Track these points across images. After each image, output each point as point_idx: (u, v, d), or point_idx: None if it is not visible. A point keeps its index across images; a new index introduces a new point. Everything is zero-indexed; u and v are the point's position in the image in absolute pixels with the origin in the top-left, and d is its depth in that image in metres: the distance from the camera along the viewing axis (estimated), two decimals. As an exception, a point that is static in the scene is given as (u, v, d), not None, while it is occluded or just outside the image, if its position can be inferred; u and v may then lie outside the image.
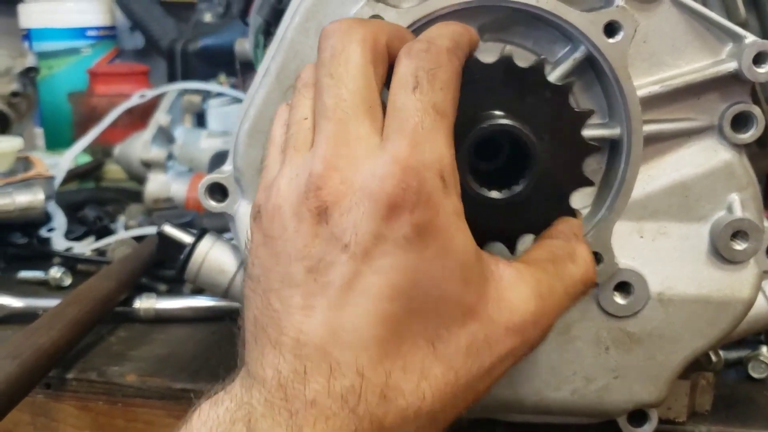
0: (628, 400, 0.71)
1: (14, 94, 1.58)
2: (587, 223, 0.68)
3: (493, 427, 0.80)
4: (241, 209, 0.71)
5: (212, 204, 0.73)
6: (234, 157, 0.71)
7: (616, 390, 0.71)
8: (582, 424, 0.79)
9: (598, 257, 0.68)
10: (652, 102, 0.67)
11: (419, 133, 0.47)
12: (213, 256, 0.75)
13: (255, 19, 0.96)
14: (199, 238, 0.75)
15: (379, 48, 0.52)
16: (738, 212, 0.68)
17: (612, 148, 0.69)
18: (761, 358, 0.88)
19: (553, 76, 0.66)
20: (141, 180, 1.47)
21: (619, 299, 0.69)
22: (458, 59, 0.53)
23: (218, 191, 0.73)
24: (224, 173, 0.72)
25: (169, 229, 0.75)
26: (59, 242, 1.25)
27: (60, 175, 1.40)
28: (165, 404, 0.87)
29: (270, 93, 0.69)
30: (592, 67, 0.67)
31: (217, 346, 0.96)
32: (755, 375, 0.88)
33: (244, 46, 0.99)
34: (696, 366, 0.81)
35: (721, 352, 0.89)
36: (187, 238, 0.75)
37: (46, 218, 1.28)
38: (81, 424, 0.89)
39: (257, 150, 0.70)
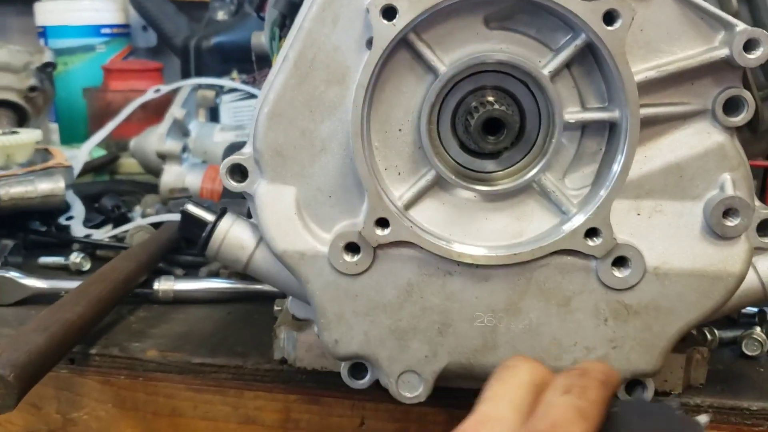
0: (626, 369, 0.75)
1: (32, 89, 1.62)
2: (588, 202, 0.72)
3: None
4: (260, 189, 0.76)
5: (233, 184, 0.77)
6: (254, 140, 0.75)
7: (615, 359, 0.75)
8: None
9: (597, 233, 0.72)
10: (649, 87, 0.71)
11: (559, 423, 0.52)
12: (233, 233, 0.79)
13: (271, 12, 1.00)
14: (220, 216, 0.79)
15: None
16: (730, 191, 0.72)
17: (611, 130, 0.73)
18: (755, 336, 0.91)
19: (555, 62, 0.71)
20: (156, 172, 1.52)
21: (617, 273, 0.73)
22: (607, 391, 0.57)
23: (238, 172, 0.77)
24: (244, 155, 0.76)
25: (192, 208, 0.79)
26: (78, 230, 1.29)
27: (78, 166, 1.45)
28: (185, 378, 0.91)
29: (288, 79, 0.73)
30: (592, 54, 0.71)
31: (233, 325, 1.01)
32: (749, 352, 0.92)
33: (260, 39, 1.03)
34: (692, 342, 0.85)
35: (716, 331, 0.93)
36: (209, 216, 0.79)
37: (65, 207, 1.33)
38: (103, 398, 0.93)
39: (276, 132, 0.74)
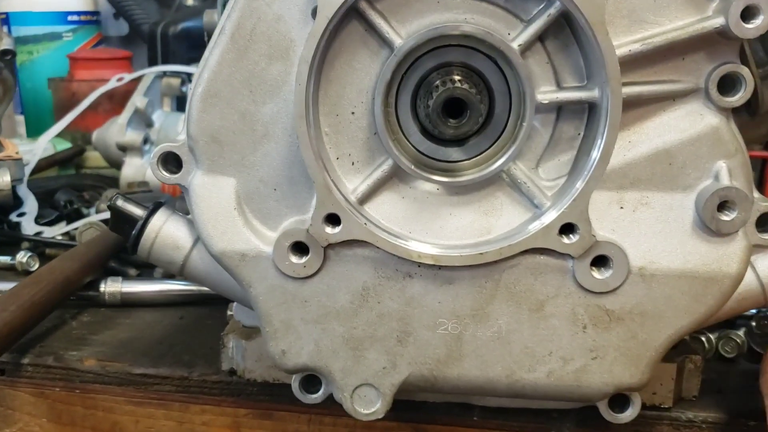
0: (608, 382, 0.67)
1: (-11, 78, 1.53)
2: (564, 194, 0.64)
3: (469, 411, 0.76)
4: (195, 180, 0.67)
5: (165, 175, 0.68)
6: (187, 124, 0.67)
7: (595, 371, 0.67)
8: (562, 410, 0.75)
9: (574, 228, 0.63)
10: (633, 62, 0.63)
11: None
12: (167, 231, 0.71)
13: (223, -13, 0.92)
14: (151, 212, 0.70)
15: None
16: (725, 181, 0.63)
17: (590, 112, 0.64)
18: (731, 336, 0.83)
19: (525, 34, 0.62)
20: (118, 165, 1.43)
21: (596, 274, 0.65)
22: None
23: (172, 161, 0.68)
24: (178, 142, 0.68)
25: (121, 203, 0.71)
26: (29, 226, 1.21)
27: (34, 159, 1.36)
28: (125, 390, 0.83)
29: (225, 54, 0.65)
30: (568, 25, 0.63)
31: (183, 332, 0.92)
32: (725, 354, 0.84)
33: (212, 17, 0.94)
34: (684, 350, 0.77)
35: (712, 337, 0.85)
36: (139, 212, 0.71)
37: (16, 203, 1.24)
38: (37, 412, 0.84)
39: (211, 115, 0.66)
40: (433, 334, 0.67)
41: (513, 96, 0.64)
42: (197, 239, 0.71)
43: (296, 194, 0.67)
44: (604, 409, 0.70)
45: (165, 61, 1.58)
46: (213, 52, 0.65)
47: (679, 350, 0.75)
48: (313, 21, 0.62)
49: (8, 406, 0.85)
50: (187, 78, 1.50)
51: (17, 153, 1.24)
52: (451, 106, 0.61)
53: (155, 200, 0.72)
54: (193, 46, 1.59)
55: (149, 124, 1.42)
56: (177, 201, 1.15)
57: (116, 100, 1.63)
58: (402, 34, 0.63)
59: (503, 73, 0.64)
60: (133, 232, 0.69)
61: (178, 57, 1.58)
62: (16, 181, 1.17)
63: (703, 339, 0.84)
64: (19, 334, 0.81)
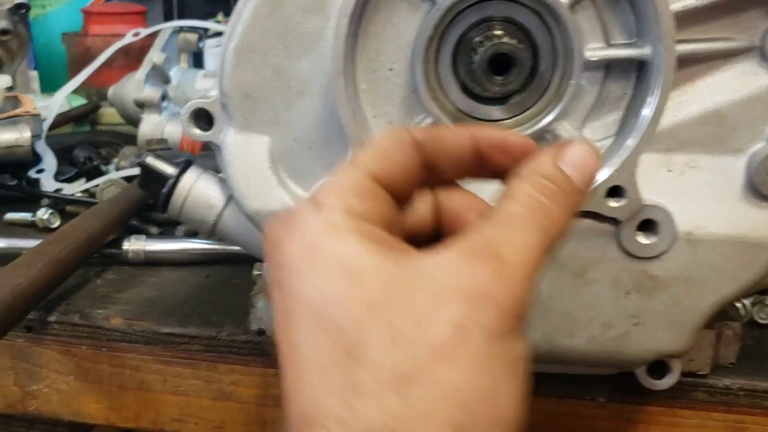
0: (649, 349, 0.65)
1: (3, 32, 1.51)
2: (611, 155, 0.62)
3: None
4: (228, 138, 0.65)
5: (197, 132, 0.66)
6: (220, 80, 0.65)
7: (637, 338, 0.65)
8: (596, 375, 0.74)
9: (621, 192, 0.61)
10: (686, 19, 0.60)
11: None
12: (198, 189, 0.69)
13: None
14: (183, 170, 0.68)
15: None
16: (779, 143, 0.61)
17: (639, 71, 0.62)
18: (767, 302, 0.82)
19: (575, -12, 0.59)
20: (135, 122, 1.41)
21: (642, 239, 0.63)
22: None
23: (203, 118, 0.66)
24: (210, 98, 0.66)
25: (152, 161, 0.69)
26: (48, 184, 1.19)
27: (51, 115, 1.34)
28: (152, 349, 0.82)
29: (259, 7, 0.62)
30: (618, -21, 0.60)
31: (210, 291, 0.91)
32: (761, 320, 0.83)
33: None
34: (721, 316, 0.75)
35: (746, 303, 0.83)
36: (170, 170, 0.69)
37: (35, 159, 1.22)
38: (64, 370, 0.84)
39: (245, 71, 0.63)
40: (471, 298, 0.65)
41: (558, 53, 0.62)
42: (229, 198, 0.69)
43: (331, 154, 0.65)
44: (642, 375, 0.69)
45: (181, 16, 1.54)
46: (247, 6, 0.63)
47: (716, 316, 0.74)
48: (352, -28, 0.59)
49: (35, 363, 0.84)
50: (204, 33, 1.47)
51: (35, 108, 1.22)
52: (496, 62, 0.59)
53: (185, 158, 0.70)
54: (209, 0, 1.56)
55: (166, 80, 1.39)
56: (198, 159, 1.13)
57: (131, 56, 1.60)
58: (445, -14, 0.60)
59: (548, 29, 0.62)
60: (164, 190, 0.68)
61: (194, 12, 1.55)
62: (35, 137, 1.15)
63: (739, 305, 0.83)
64: (45, 292, 0.80)
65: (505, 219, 0.42)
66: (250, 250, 0.72)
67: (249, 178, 0.65)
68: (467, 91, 0.63)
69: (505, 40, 0.57)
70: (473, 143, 0.48)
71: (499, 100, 0.63)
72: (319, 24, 0.62)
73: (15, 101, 1.29)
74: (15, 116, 1.15)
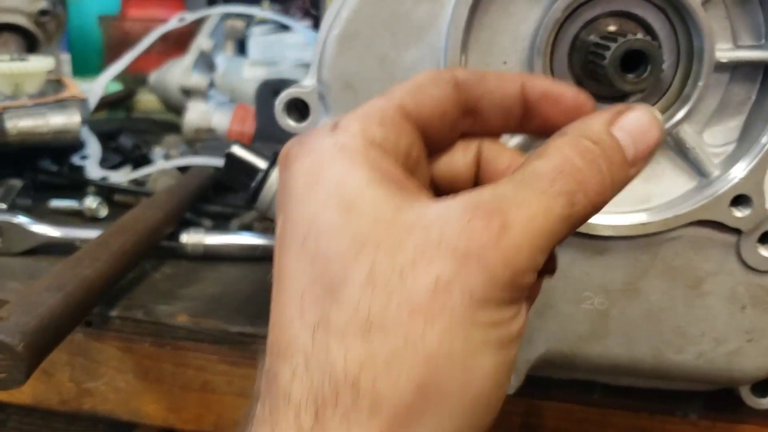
0: (761, 366, 0.62)
1: (43, 13, 1.47)
2: (734, 162, 0.58)
3: (590, 389, 0.72)
4: (324, 130, 0.61)
5: (290, 123, 0.63)
6: (319, 69, 0.61)
7: (749, 355, 0.62)
8: (690, 391, 0.71)
9: (746, 201, 0.58)
10: (823, 19, 0.56)
11: None
12: (289, 183, 0.65)
13: None
14: (273, 162, 0.65)
15: None
16: None
17: (765, 74, 0.59)
18: None
19: (709, -17, 0.56)
20: (177, 110, 1.37)
21: (764, 251, 0.60)
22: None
23: (298, 108, 0.63)
24: (306, 87, 0.62)
25: (240, 151, 0.66)
26: (94, 170, 1.15)
27: (94, 99, 1.30)
28: (219, 349, 0.78)
29: (368, -8, 0.58)
30: (751, -25, 0.57)
31: (273, 288, 0.88)
32: None
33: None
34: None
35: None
36: (261, 163, 0.65)
37: (79, 144, 1.19)
38: (124, 367, 0.80)
39: (348, 59, 0.60)
40: (577, 309, 0.62)
41: (681, 52, 0.58)
42: (320, 194, 0.65)
43: (432, 150, 0.61)
44: (746, 393, 0.65)
45: (227, 1, 1.51)
46: (353, -10, 0.59)
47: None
48: (469, -41, 0.56)
49: (94, 359, 0.81)
50: (251, 20, 1.44)
51: (81, 92, 1.18)
52: (627, 59, 0.55)
53: (274, 151, 0.67)
54: (255, -13, 1.52)
55: (212, 68, 1.36)
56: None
57: (170, 42, 1.56)
58: (568, -23, 0.56)
59: (672, 26, 0.58)
60: (253, 184, 0.64)
61: (239, -1, 1.51)
62: (83, 122, 1.12)
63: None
64: (109, 286, 0.77)
65: (526, 177, 0.37)
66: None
67: (346, 173, 0.61)
68: (583, 87, 0.60)
69: (639, 35, 0.54)
70: (521, 91, 0.43)
71: (616, 98, 0.60)
72: (431, 11, 0.58)
73: (57, 84, 1.26)
74: (63, 100, 1.11)
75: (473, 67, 0.59)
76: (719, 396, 0.68)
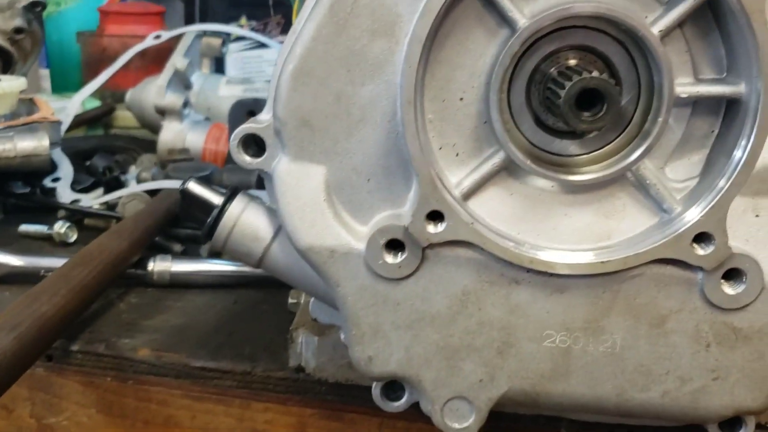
0: (727, 405, 0.61)
1: (18, 31, 1.45)
2: (696, 199, 0.57)
3: (556, 424, 0.71)
4: (280, 167, 0.60)
5: (246, 159, 0.61)
6: (275, 105, 0.60)
7: (715, 393, 0.61)
8: (658, 426, 0.69)
9: (708, 238, 0.57)
10: (785, 53, 0.55)
11: None
12: (246, 220, 0.64)
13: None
14: (229, 198, 0.64)
15: None
16: None
17: (728, 107, 0.57)
18: None
19: (667, 18, 0.55)
20: (154, 128, 1.36)
21: (728, 289, 0.58)
22: None
23: (253, 144, 0.61)
24: (262, 123, 0.61)
25: (195, 187, 0.64)
26: (65, 193, 1.14)
27: (67, 120, 1.29)
28: (182, 383, 0.77)
29: (321, 28, 0.57)
30: (710, 9, 0.56)
31: (240, 318, 0.86)
32: None
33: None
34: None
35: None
36: (215, 198, 0.64)
37: (51, 167, 1.17)
38: (86, 402, 0.79)
39: (303, 96, 0.58)
40: (539, 347, 0.61)
41: (642, 86, 0.57)
42: (278, 230, 0.64)
43: (391, 186, 0.60)
44: (713, 429, 0.64)
45: (203, 20, 1.49)
46: (307, 26, 0.58)
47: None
48: (424, -7, 0.55)
49: (55, 395, 0.79)
50: (227, 38, 1.42)
51: (53, 114, 1.17)
52: (583, 97, 0.54)
53: (232, 186, 0.65)
54: (233, 3, 1.51)
55: (188, 86, 1.34)
56: (224, 173, 1.08)
57: (148, 58, 1.56)
58: (525, 12, 0.55)
59: (632, 60, 0.57)
60: (209, 220, 0.63)
61: (217, 14, 1.50)
62: (53, 144, 1.10)
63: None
64: (69, 321, 0.76)
65: None
66: (298, 285, 0.67)
67: (302, 210, 0.60)
68: (540, 123, 0.59)
69: (595, 73, 0.53)
70: None
71: (575, 134, 0.58)
72: (387, 48, 0.57)
73: (30, 104, 1.24)
74: (33, 122, 1.10)
75: (430, 103, 0.58)
76: (688, 430, 0.67)
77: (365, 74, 0.58)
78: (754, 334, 0.59)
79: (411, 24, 0.55)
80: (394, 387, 0.65)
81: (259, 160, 0.61)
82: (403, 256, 0.59)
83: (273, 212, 0.64)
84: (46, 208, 1.14)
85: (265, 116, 0.61)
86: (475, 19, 0.56)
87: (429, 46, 0.55)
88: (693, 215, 0.57)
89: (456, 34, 0.56)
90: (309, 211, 0.60)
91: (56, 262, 0.88)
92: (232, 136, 0.61)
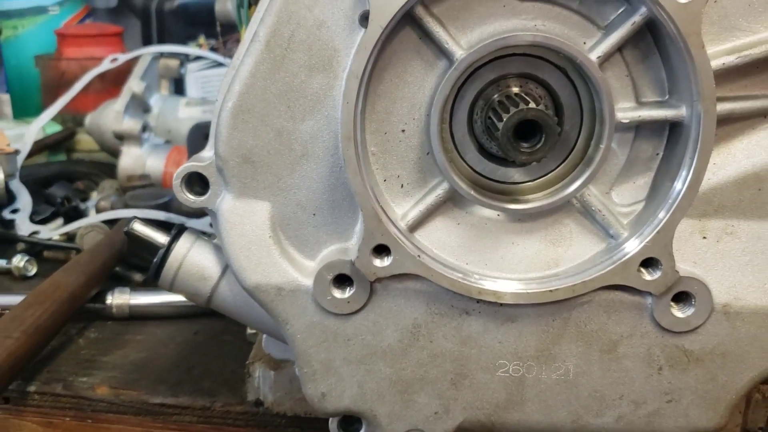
0: (682, 426, 0.61)
1: (-27, 58, 1.43)
2: (643, 223, 0.57)
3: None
4: (224, 204, 0.59)
5: (190, 197, 0.61)
6: (216, 142, 0.59)
7: (670, 415, 0.61)
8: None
9: (655, 263, 0.57)
10: (725, 76, 0.55)
11: None
12: (192, 259, 0.63)
13: (238, -27, 0.83)
14: (174, 238, 0.63)
15: None
16: (821, 208, 0.57)
17: (671, 131, 0.57)
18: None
19: (605, 44, 0.54)
20: (114, 152, 1.34)
21: (677, 312, 0.58)
22: None
23: (198, 182, 0.61)
24: (204, 161, 0.60)
25: (139, 228, 0.63)
26: (24, 225, 1.12)
27: (26, 147, 1.26)
28: (142, 421, 0.76)
29: (259, 64, 0.56)
30: (650, 33, 0.55)
31: (200, 351, 0.85)
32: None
33: (225, 5, 0.85)
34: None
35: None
36: (160, 238, 0.63)
37: (9, 198, 1.15)
38: (45, 443, 0.78)
39: (243, 133, 0.58)
40: (492, 377, 0.60)
41: (584, 111, 0.57)
42: (226, 268, 0.63)
43: (337, 219, 0.59)
44: (672, 452, 0.64)
45: (161, 40, 1.48)
46: (245, 62, 0.57)
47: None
48: (360, 27, 0.54)
49: (12, 437, 0.78)
50: (186, 58, 1.41)
51: (8, 145, 1.15)
52: (521, 128, 0.54)
53: (178, 225, 0.64)
54: (190, 23, 1.50)
55: (146, 110, 1.33)
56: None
57: (108, 80, 1.53)
58: (462, 43, 0.55)
59: (574, 86, 0.57)
60: (155, 260, 0.62)
61: (174, 35, 1.48)
62: (9, 176, 1.09)
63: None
64: (25, 363, 0.74)
65: None
66: (249, 323, 0.66)
67: (248, 248, 0.59)
68: (484, 151, 0.58)
69: (532, 104, 0.52)
70: None
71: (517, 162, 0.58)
72: (325, 83, 0.56)
73: (-14, 135, 1.22)
74: (-13, 155, 1.08)
75: (372, 136, 0.57)
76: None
77: (305, 110, 0.57)
78: (705, 355, 0.59)
79: (348, 58, 0.55)
80: (351, 420, 0.64)
81: (202, 198, 0.60)
82: (352, 291, 0.59)
83: (220, 249, 0.63)
84: (6, 241, 1.12)
85: (207, 154, 0.61)
86: (412, 52, 0.56)
87: (367, 81, 0.55)
88: (639, 241, 0.56)
89: (394, 67, 0.56)
90: (255, 249, 0.59)
91: (13, 299, 0.87)
92: (174, 175, 0.60)
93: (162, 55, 1.36)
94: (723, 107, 0.56)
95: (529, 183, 0.59)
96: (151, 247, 0.63)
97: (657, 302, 0.58)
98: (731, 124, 0.57)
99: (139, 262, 0.65)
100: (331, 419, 0.64)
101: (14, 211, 1.15)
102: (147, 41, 1.52)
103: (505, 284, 0.58)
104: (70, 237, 1.10)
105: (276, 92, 0.57)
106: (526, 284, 0.58)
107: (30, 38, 1.79)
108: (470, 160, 0.59)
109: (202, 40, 1.48)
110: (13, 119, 1.71)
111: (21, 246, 1.09)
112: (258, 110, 0.57)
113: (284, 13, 0.55)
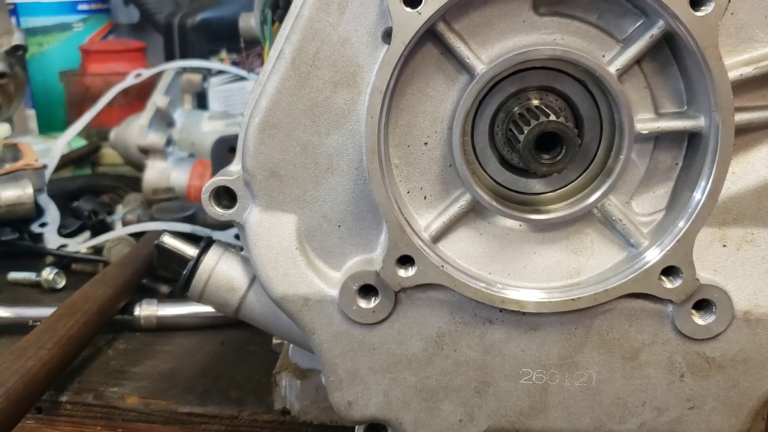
0: (705, 433, 0.61)
1: (1, 75, 1.46)
2: (663, 232, 0.58)
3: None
4: (252, 217, 0.61)
5: (218, 211, 0.62)
6: (243, 157, 0.60)
7: (692, 422, 0.61)
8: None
9: (676, 272, 0.57)
10: (742, 86, 0.56)
11: None
12: (221, 271, 0.65)
13: (261, -10, 0.85)
14: (203, 250, 0.64)
15: None
16: (841, 216, 0.57)
17: (690, 140, 0.58)
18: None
19: (624, 57, 0.56)
20: (139, 166, 1.37)
21: (698, 320, 0.59)
22: None
23: (225, 196, 0.62)
24: (232, 175, 0.62)
25: (169, 241, 0.65)
26: (52, 239, 1.15)
27: (53, 162, 1.29)
28: (171, 429, 0.78)
29: (284, 81, 0.58)
30: (668, 45, 0.56)
31: (227, 360, 0.87)
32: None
33: (249, 21, 0.87)
34: None
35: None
36: (189, 251, 0.65)
37: (37, 212, 1.18)
38: (77, 452, 0.79)
39: (270, 148, 0.59)
40: (516, 385, 0.61)
41: (604, 123, 0.58)
42: (253, 279, 0.65)
43: (362, 231, 0.61)
44: (695, 457, 0.64)
45: (183, 55, 1.51)
46: (271, 79, 0.59)
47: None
48: (383, 44, 0.56)
49: (45, 446, 0.80)
50: (208, 73, 1.43)
51: (36, 160, 1.17)
52: (542, 140, 0.55)
53: (206, 237, 0.66)
54: (212, 38, 1.52)
55: (170, 124, 1.35)
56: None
57: (132, 95, 1.57)
58: (483, 57, 0.56)
59: (593, 97, 0.58)
60: (184, 272, 0.63)
61: (197, 50, 1.51)
62: (37, 191, 1.11)
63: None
64: (57, 373, 0.76)
65: None
66: (276, 333, 0.68)
67: (275, 260, 0.61)
68: (505, 162, 0.60)
69: (552, 117, 0.53)
70: None
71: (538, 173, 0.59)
72: (350, 98, 0.58)
73: (14, 150, 1.25)
74: (17, 171, 1.10)
75: (395, 149, 0.59)
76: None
77: (330, 124, 0.59)
78: (727, 362, 0.60)
79: (371, 74, 0.56)
80: (377, 428, 0.65)
81: (230, 211, 0.62)
82: (377, 301, 0.60)
83: (248, 261, 0.65)
84: (35, 254, 1.15)
85: (235, 168, 0.62)
86: (434, 67, 0.57)
87: (390, 95, 0.56)
88: (660, 249, 0.57)
89: (416, 81, 0.57)
90: (282, 260, 0.61)
91: (44, 311, 0.89)
92: (203, 189, 0.62)
93: (185, 69, 1.38)
94: (741, 117, 0.56)
95: (550, 193, 0.60)
96: (180, 259, 0.65)
97: (678, 310, 0.59)
98: (750, 133, 0.58)
99: (168, 274, 0.67)
100: (357, 427, 0.65)
101: (42, 225, 1.17)
102: (169, 56, 1.55)
103: (527, 293, 0.59)
104: (97, 250, 1.13)
105: (302, 108, 0.58)
106: (548, 293, 0.59)
107: (54, 54, 1.83)
108: (492, 172, 0.60)
109: (224, 54, 1.51)
110: (38, 134, 1.74)
111: (50, 259, 1.11)
112: (284, 125, 0.59)
113: (309, 31, 0.57)
